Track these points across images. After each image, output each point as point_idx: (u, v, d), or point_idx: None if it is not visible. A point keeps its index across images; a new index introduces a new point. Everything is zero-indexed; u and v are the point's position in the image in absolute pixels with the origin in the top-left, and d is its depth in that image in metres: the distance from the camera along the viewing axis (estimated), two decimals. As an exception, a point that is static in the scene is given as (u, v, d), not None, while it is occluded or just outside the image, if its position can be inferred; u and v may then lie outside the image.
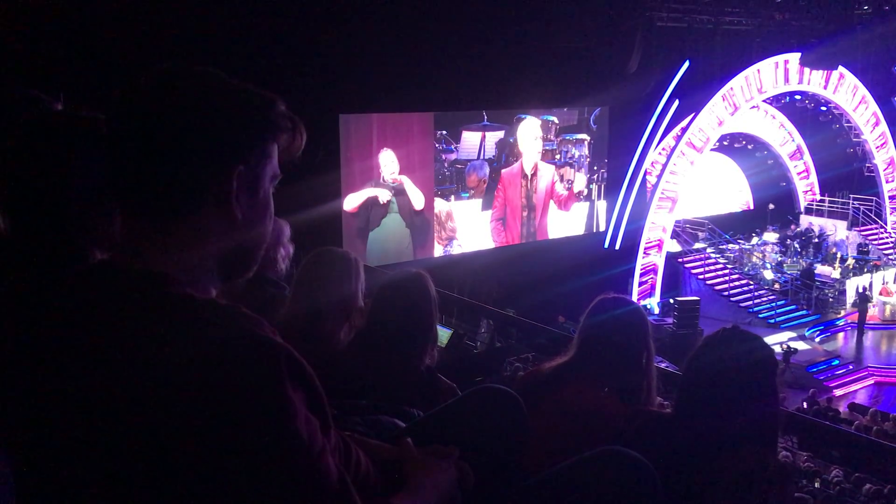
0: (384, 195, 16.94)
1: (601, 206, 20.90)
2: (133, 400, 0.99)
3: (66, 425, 1.03)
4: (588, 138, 20.40)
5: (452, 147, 18.20)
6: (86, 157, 1.58)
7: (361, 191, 16.63)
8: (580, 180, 20.44)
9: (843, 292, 21.30)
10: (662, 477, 1.75)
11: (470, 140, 18.42)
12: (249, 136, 1.14)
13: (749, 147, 24.19)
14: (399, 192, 17.15)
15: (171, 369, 0.99)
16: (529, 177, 19.39)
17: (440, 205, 18.13)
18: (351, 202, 16.57)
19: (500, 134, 18.85)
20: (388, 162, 16.91)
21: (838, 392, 16.91)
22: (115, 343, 1.02)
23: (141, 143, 1.09)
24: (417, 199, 17.43)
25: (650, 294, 20.14)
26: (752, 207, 25.25)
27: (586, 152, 20.45)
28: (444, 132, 17.94)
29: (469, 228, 18.69)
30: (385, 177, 16.93)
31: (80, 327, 1.05)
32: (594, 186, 20.74)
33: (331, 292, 2.72)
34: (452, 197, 18.36)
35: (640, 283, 20.01)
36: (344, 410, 2.31)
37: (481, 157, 18.62)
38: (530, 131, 19.27)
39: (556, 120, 19.73)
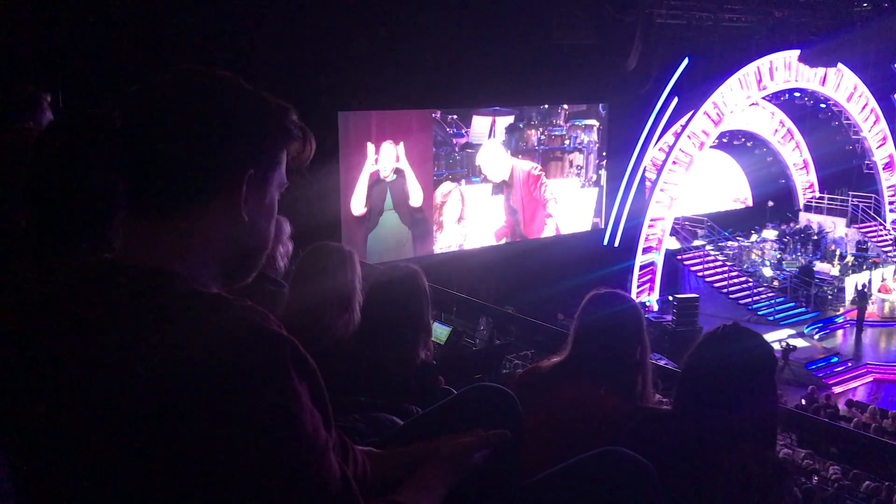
0: (384, 171, 16.86)
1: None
2: (139, 394, 0.99)
3: (69, 422, 1.03)
4: (597, 124, 20.36)
5: (463, 131, 18.25)
6: (105, 153, 1.60)
7: (358, 186, 16.57)
8: (585, 162, 20.34)
9: (842, 289, 21.33)
10: (661, 474, 1.75)
11: (480, 124, 18.46)
12: (263, 141, 1.17)
13: (748, 144, 24.21)
14: (396, 185, 17.13)
15: (177, 362, 0.99)
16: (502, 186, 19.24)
17: (446, 187, 18.15)
18: (357, 205, 16.56)
19: (511, 119, 18.87)
20: (387, 154, 16.91)
21: (837, 389, 16.93)
22: (121, 338, 1.02)
23: (155, 140, 1.10)
24: (416, 194, 17.36)
25: (649, 291, 20.15)
26: (751, 204, 25.27)
27: (595, 138, 20.40)
28: (455, 116, 17.98)
29: (480, 212, 18.73)
30: (384, 170, 16.92)
31: (84, 324, 1.05)
32: (603, 172, 20.68)
33: (327, 286, 2.74)
34: (463, 181, 18.40)
35: (640, 281, 20.02)
36: (343, 407, 2.31)
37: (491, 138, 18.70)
38: (494, 155, 18.89)
39: (565, 105, 19.72)
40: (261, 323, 1.05)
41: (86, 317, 1.06)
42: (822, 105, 23.34)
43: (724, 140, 23.03)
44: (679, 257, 21.30)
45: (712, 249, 22.11)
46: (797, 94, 22.82)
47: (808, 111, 23.81)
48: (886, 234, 23.90)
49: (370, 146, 16.60)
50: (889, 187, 24.39)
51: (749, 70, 20.65)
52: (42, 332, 1.08)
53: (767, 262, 22.07)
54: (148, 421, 0.98)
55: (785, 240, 23.31)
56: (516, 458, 1.78)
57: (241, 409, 0.99)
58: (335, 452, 1.14)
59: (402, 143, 16.99)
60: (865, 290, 20.53)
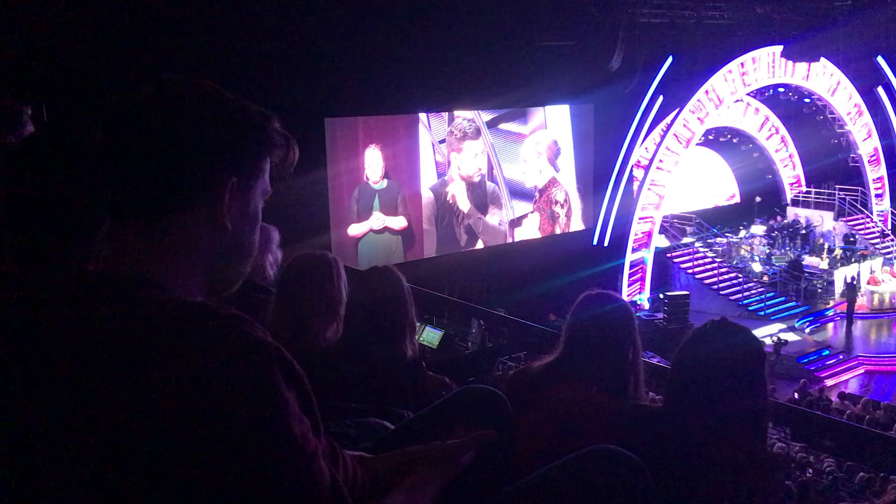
0: (377, 223, 17.28)
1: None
2: (126, 404, 0.98)
3: (54, 435, 1.02)
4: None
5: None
6: (87, 164, 1.60)
7: (362, 224, 17.03)
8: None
9: (831, 283, 21.42)
10: (653, 471, 1.75)
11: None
12: (244, 150, 1.17)
13: (734, 141, 24.30)
14: (385, 192, 17.19)
15: (164, 371, 0.98)
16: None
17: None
18: (355, 230, 16.96)
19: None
20: (373, 162, 16.93)
21: (829, 382, 17.01)
22: (104, 350, 1.02)
23: (136, 149, 1.10)
24: (395, 224, 17.66)
25: (640, 290, 20.19)
26: (739, 201, 25.36)
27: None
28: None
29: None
30: (372, 176, 16.97)
31: (67, 336, 1.05)
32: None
33: (313, 295, 2.74)
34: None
35: (630, 279, 20.06)
36: (334, 413, 2.31)
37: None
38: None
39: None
40: (246, 330, 1.05)
41: (69, 329, 1.05)
42: (807, 100, 23.44)
43: (711, 137, 23.10)
44: (669, 255, 21.35)
45: (701, 246, 22.17)
46: (781, 90, 22.92)
47: (792, 106, 23.89)
48: (874, 227, 24.02)
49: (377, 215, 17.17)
50: (875, 180, 24.52)
51: (733, 66, 20.75)
52: (26, 346, 1.08)
53: (757, 258, 22.15)
54: (132, 432, 0.98)
55: (773, 235, 23.40)
56: (508, 459, 1.79)
57: (228, 417, 0.99)
58: (325, 458, 1.13)
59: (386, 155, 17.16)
60: (855, 282, 20.64)
